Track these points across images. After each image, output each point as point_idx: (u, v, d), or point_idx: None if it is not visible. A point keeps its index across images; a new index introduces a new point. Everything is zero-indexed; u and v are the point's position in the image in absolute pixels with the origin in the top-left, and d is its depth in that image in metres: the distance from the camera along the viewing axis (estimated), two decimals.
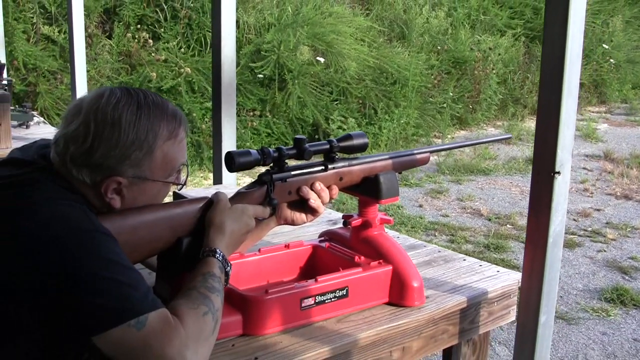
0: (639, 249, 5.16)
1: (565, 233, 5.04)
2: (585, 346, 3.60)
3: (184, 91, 7.27)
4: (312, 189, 1.70)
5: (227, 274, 1.48)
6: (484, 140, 2.19)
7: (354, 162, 1.77)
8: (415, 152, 1.88)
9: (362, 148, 1.76)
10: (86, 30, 7.41)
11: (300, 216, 1.74)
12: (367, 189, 1.78)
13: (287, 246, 1.87)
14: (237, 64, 7.82)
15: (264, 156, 1.60)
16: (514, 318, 1.99)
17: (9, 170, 1.41)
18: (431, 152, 1.94)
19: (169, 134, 1.45)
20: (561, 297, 4.19)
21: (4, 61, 5.50)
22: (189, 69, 7.33)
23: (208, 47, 7.87)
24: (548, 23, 1.66)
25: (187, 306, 1.32)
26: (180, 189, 1.57)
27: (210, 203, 1.55)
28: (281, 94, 7.82)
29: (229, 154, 1.57)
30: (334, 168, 1.74)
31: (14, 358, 1.32)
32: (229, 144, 2.66)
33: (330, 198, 1.74)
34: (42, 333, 1.28)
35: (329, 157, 1.74)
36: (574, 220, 5.77)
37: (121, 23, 7.61)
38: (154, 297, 1.29)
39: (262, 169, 1.66)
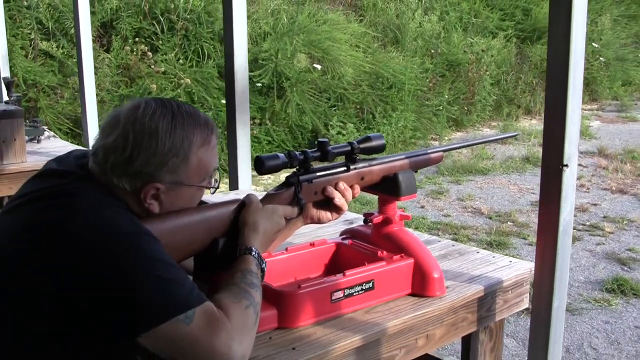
0: (636, 240, 5.28)
1: None
2: (589, 335, 3.72)
3: (184, 102, 7.36)
4: (336, 189, 1.80)
5: (262, 271, 1.57)
6: (493, 138, 2.33)
7: (374, 162, 1.87)
8: (429, 151, 1.99)
9: (380, 149, 1.87)
10: None
11: (325, 215, 1.84)
12: (387, 187, 1.89)
13: (312, 244, 1.97)
14: None
15: (290, 159, 1.70)
16: (527, 305, 2.10)
17: (48, 181, 1.49)
18: (445, 151, 2.05)
19: (202, 141, 1.53)
20: None
21: (8, 78, 5.57)
22: (188, 79, 7.42)
23: (205, 58, 7.96)
24: (552, 26, 1.77)
25: (230, 300, 1.41)
26: (214, 192, 1.67)
27: (243, 205, 1.65)
28: (280, 102, 7.92)
29: (258, 158, 1.68)
30: (355, 168, 1.84)
31: None
32: (243, 150, 2.76)
33: (353, 196, 1.85)
34: (91, 336, 1.36)
35: (351, 158, 1.84)
36: (573, 215, 5.88)
37: (118, 36, 7.69)
38: (198, 292, 1.37)
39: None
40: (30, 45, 7.38)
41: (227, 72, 2.73)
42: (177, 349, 1.32)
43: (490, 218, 5.88)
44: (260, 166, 1.68)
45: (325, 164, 1.82)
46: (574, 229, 5.32)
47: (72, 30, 7.41)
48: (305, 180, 1.76)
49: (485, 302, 1.94)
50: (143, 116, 1.48)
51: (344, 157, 1.85)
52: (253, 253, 1.56)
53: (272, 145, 7.46)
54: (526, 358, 2.08)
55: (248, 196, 1.68)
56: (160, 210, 1.52)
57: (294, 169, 1.76)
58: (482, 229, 5.56)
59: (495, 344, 2.11)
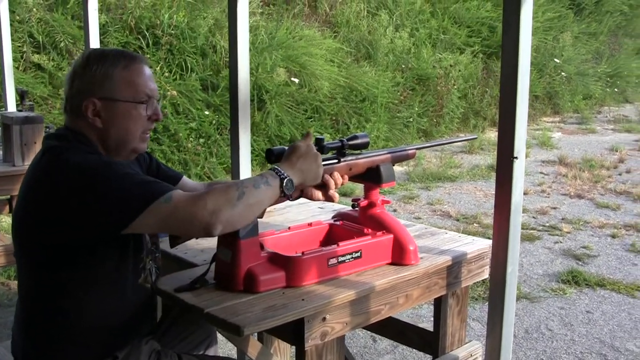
0: (590, 239, 5.78)
1: (526, 228, 5.63)
2: (546, 318, 4.17)
3: (170, 113, 7.74)
4: (330, 176, 2.22)
5: (282, 180, 1.91)
6: (455, 140, 2.77)
7: (360, 156, 2.28)
8: (407, 148, 2.42)
9: (365, 145, 2.28)
10: (73, 57, 7.85)
11: (317, 194, 2.23)
12: (371, 177, 2.30)
13: (310, 225, 2.38)
14: (217, 87, 8.33)
15: None
16: (487, 276, 2.52)
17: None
18: (418, 149, 2.48)
19: (124, 65, 1.95)
20: (524, 281, 4.76)
21: (21, 88, 5.90)
22: (174, 91, 7.80)
23: (189, 71, 8.36)
24: (505, 44, 2.20)
25: (218, 186, 1.83)
26: (156, 119, 2.05)
27: None
28: (260, 114, 8.34)
29: (269, 150, 2.08)
30: (345, 161, 2.24)
31: (93, 267, 1.87)
32: (244, 151, 3.17)
33: (343, 184, 2.25)
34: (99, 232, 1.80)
35: (341, 153, 2.24)
36: (533, 217, 6.37)
37: None
38: (173, 187, 1.81)
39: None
40: (22, 58, 7.70)
41: (232, 84, 3.13)
42: (166, 221, 1.76)
43: (458, 220, 6.34)
44: (271, 156, 2.08)
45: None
46: (534, 229, 5.86)
47: (62, 44, 7.78)
48: None
49: (453, 270, 2.36)
50: (81, 58, 1.98)
51: (335, 151, 2.26)
52: (277, 171, 1.93)
53: (252, 154, 7.82)
54: None
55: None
56: (103, 125, 1.94)
57: None
58: (450, 229, 5.99)
59: (462, 308, 2.51)
